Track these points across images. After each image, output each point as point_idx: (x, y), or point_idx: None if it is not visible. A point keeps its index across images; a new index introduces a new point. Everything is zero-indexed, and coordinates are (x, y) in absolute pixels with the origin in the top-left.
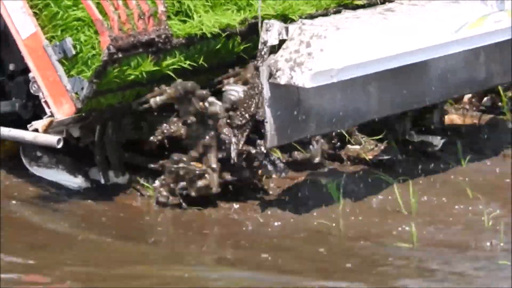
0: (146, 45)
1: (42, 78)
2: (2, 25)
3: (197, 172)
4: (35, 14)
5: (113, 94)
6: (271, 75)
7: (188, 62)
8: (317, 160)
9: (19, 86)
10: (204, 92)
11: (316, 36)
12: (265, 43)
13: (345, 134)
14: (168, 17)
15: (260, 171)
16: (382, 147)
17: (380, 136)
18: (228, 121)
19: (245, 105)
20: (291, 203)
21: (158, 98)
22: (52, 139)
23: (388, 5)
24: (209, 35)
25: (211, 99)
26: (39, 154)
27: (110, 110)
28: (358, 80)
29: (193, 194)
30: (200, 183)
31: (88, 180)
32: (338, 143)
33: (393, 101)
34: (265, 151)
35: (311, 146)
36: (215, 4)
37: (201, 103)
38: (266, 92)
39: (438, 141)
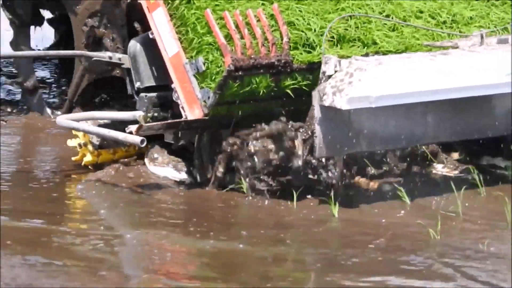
0: (267, 67)
1: (181, 89)
2: (132, 52)
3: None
4: (179, 38)
5: (237, 105)
6: (321, 99)
7: (306, 82)
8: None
9: (141, 100)
10: (293, 133)
11: (358, 68)
12: (324, 73)
13: (428, 154)
14: (296, 48)
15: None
16: (462, 168)
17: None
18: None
19: (308, 123)
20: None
21: (258, 133)
22: (137, 139)
23: (449, 50)
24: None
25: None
26: (156, 155)
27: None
28: (414, 107)
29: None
30: (248, 163)
31: (191, 176)
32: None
33: (452, 129)
34: (322, 161)
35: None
36: (342, 41)
37: (290, 142)
38: (317, 112)
39: None
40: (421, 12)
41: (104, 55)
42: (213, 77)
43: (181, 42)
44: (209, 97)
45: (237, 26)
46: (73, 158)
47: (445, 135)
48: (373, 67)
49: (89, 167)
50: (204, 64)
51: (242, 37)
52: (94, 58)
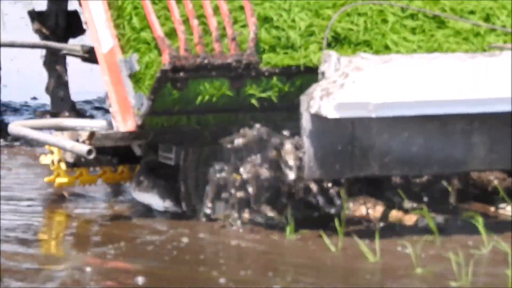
0: (222, 69)
1: (115, 93)
2: None
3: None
4: (117, 35)
5: (179, 116)
6: (308, 105)
7: (276, 92)
8: None
9: None
10: (278, 139)
11: (356, 68)
12: (322, 73)
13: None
14: (273, 50)
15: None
16: None
17: None
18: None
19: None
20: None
21: (240, 140)
22: (83, 149)
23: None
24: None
25: (289, 147)
26: (141, 178)
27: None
28: (451, 121)
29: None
30: (239, 194)
31: (178, 205)
32: None
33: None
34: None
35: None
36: (343, 42)
37: (274, 152)
38: (306, 123)
39: None
40: (472, 12)
41: (76, 48)
42: (150, 81)
43: (118, 40)
44: (142, 104)
45: (186, 20)
46: (45, 179)
47: (502, 161)
48: (375, 66)
49: (64, 193)
50: (138, 63)
51: (190, 32)
52: (63, 52)
